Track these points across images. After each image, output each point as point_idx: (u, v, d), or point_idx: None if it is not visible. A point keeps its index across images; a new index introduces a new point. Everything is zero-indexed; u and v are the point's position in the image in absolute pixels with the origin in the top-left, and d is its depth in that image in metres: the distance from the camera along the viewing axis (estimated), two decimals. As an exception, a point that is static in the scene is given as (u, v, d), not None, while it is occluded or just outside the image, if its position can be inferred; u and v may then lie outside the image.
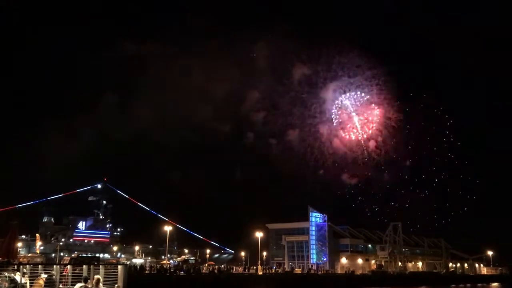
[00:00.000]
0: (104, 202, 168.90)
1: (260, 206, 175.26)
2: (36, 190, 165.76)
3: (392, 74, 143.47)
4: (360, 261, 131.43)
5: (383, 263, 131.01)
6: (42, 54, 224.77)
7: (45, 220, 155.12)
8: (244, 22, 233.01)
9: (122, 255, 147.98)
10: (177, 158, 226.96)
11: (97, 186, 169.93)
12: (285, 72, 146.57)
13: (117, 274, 23.68)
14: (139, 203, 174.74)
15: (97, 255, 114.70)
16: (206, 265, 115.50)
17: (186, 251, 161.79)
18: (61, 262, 72.99)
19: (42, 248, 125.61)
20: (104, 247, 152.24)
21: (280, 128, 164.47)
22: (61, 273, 23.91)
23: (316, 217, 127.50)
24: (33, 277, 23.57)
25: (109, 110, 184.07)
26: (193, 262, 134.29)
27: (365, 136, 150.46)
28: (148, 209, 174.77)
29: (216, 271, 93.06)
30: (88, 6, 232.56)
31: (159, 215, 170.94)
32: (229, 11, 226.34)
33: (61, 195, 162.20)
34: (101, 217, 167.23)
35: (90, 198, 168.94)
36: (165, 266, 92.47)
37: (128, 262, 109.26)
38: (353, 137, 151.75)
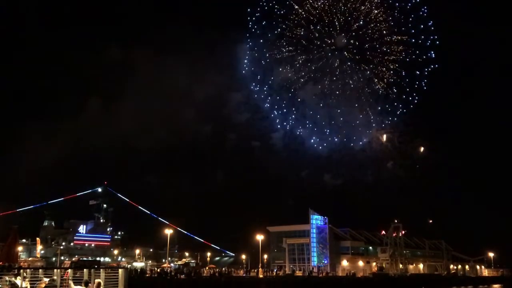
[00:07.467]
0: (105, 205, 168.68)
1: (259, 208, 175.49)
2: (37, 194, 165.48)
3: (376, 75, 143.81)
4: (361, 263, 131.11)
5: (384, 265, 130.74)
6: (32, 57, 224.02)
7: (46, 224, 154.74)
8: (226, 25, 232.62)
9: (123, 259, 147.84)
10: (175, 160, 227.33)
11: (97, 189, 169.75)
12: (267, 76, 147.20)
13: (117, 278, 23.74)
14: (139, 207, 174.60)
15: (98, 258, 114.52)
16: (207, 268, 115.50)
17: (187, 254, 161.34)
18: (62, 266, 73.03)
19: (42, 252, 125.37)
20: (105, 251, 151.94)
21: (263, 130, 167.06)
22: (62, 277, 23.97)
23: (316, 220, 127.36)
24: (34, 281, 23.63)
25: (95, 114, 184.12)
26: (194, 265, 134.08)
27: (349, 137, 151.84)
28: (149, 212, 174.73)
29: (217, 274, 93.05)
30: (71, 10, 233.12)
31: (159, 218, 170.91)
32: (212, 14, 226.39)
33: (62, 199, 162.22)
34: (101, 220, 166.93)
35: (91, 202, 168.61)
36: (166, 270, 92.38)
37: (128, 266, 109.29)
38: (336, 139, 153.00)
